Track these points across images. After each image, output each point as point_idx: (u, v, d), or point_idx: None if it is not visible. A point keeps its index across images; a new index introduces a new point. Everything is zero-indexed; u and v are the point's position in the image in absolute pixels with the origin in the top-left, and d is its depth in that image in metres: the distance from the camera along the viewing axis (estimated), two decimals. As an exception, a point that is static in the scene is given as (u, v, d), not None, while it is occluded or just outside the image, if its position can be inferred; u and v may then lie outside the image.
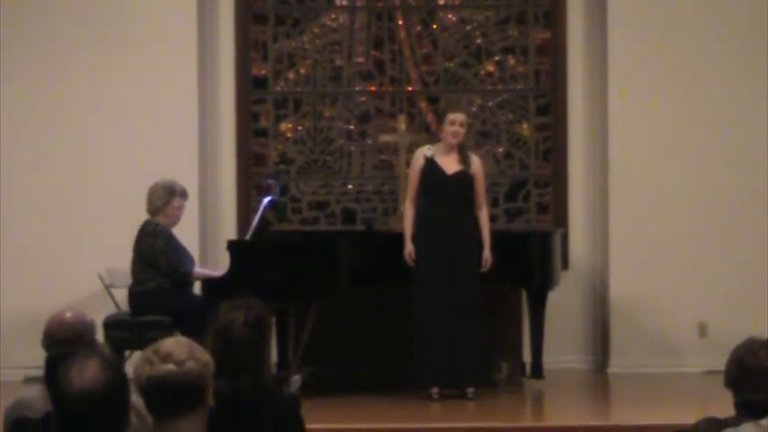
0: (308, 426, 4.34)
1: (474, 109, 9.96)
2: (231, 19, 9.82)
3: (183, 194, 8.45)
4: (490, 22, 10.02)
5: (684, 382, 8.95)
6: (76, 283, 9.03)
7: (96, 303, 8.62)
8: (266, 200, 8.74)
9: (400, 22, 10.07)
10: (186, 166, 9.33)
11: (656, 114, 9.48)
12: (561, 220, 9.80)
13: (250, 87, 9.95)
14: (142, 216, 8.38)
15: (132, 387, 3.07)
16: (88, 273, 8.89)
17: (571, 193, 9.81)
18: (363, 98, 10.05)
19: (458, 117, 8.15)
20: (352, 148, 10.03)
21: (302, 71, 10.03)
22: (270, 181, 9.22)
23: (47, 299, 8.16)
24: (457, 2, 10.10)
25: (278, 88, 10.02)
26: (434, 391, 7.98)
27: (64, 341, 4.37)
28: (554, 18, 9.88)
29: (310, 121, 10.02)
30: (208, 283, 8.23)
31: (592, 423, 7.35)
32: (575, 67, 9.80)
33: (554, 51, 9.88)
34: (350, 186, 10.02)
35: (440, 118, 8.24)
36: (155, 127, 9.44)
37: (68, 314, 4.54)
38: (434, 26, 10.06)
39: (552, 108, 9.91)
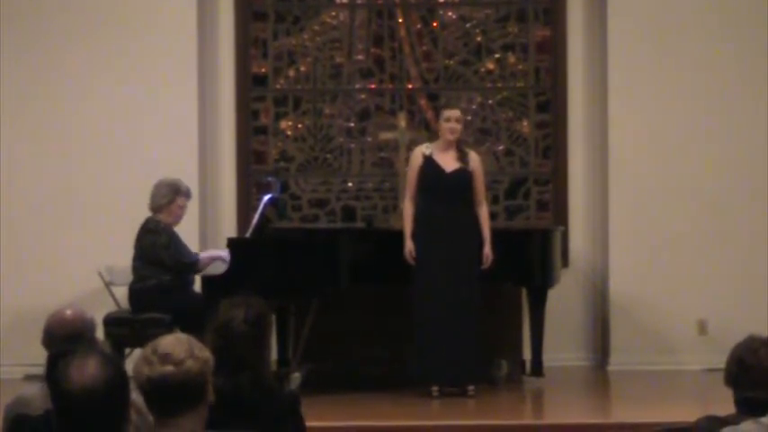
0: (308, 423, 4.35)
1: (474, 106, 9.96)
2: (231, 16, 9.81)
3: (188, 194, 8.44)
4: (490, 20, 10.01)
5: (684, 379, 8.94)
6: (77, 280, 9.03)
7: (96, 301, 8.60)
8: (266, 197, 8.74)
9: (400, 20, 10.06)
10: (186, 163, 9.33)
11: (656, 111, 9.48)
12: (561, 217, 9.79)
13: (250, 85, 9.94)
14: (143, 213, 8.36)
15: (132, 384, 3.07)
16: (88, 270, 8.88)
17: (571, 190, 9.81)
18: (363, 95, 10.04)
19: (453, 113, 8.13)
20: (352, 146, 10.03)
21: (302, 68, 10.03)
22: (270, 178, 9.21)
23: (47, 296, 8.18)
24: (457, -1, 10.12)
25: (278, 86, 10.01)
26: (434, 388, 7.97)
27: (64, 339, 4.37)
28: (554, 15, 9.87)
29: (310, 119, 10.01)
30: (208, 280, 8.22)
31: (592, 421, 7.34)
32: (575, 65, 9.79)
33: (554, 49, 9.88)
34: (350, 184, 10.01)
35: (439, 115, 8.22)
36: (155, 124, 9.43)
37: (68, 311, 4.54)
38: (434, 24, 10.05)
39: (552, 105, 9.90)
